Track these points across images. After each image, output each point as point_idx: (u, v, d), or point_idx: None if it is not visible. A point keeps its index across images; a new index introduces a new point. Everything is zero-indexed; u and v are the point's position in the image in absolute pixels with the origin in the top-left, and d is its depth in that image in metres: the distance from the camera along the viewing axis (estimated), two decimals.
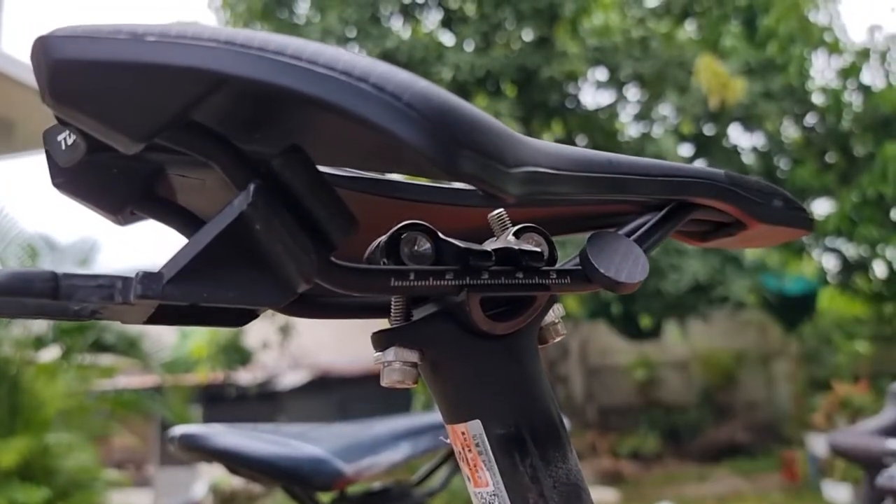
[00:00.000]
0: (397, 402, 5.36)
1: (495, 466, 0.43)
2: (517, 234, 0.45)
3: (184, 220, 0.46)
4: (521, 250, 0.43)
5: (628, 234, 0.51)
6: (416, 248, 0.42)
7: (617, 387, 8.80)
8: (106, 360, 5.51)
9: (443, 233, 0.43)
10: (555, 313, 0.47)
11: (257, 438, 0.93)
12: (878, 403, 6.10)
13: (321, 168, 0.45)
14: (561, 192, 0.40)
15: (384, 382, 0.43)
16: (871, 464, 1.66)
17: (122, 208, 0.45)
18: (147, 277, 0.35)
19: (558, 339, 0.47)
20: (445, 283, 0.41)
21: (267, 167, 0.36)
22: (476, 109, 0.33)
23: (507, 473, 0.43)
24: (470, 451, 0.44)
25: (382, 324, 0.46)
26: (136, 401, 5.50)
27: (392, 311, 0.45)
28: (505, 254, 0.43)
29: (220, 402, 8.12)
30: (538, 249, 0.44)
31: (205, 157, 0.36)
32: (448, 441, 0.46)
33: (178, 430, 0.96)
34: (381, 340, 0.43)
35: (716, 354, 8.37)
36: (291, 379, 8.33)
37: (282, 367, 8.48)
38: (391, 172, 0.46)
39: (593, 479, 6.72)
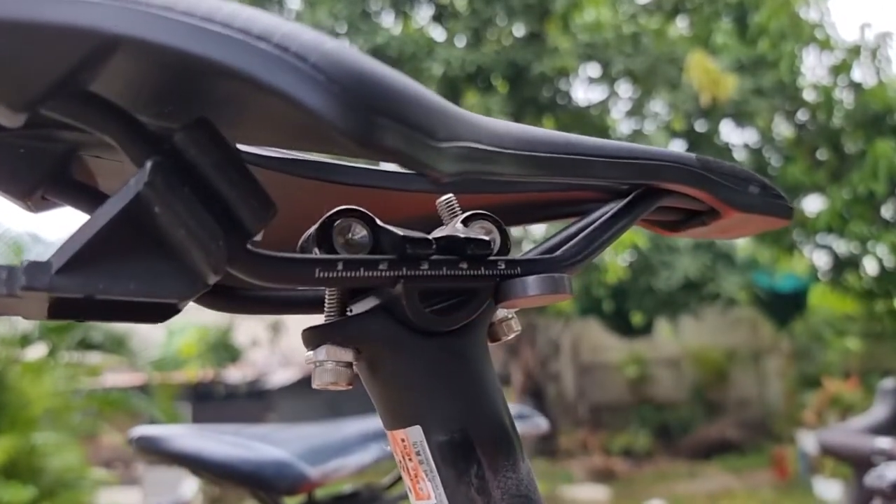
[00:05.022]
0: None
1: (437, 477, 0.39)
2: (466, 222, 0.41)
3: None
4: (466, 238, 0.39)
5: (590, 223, 0.48)
6: (350, 236, 0.38)
7: (608, 384, 8.77)
8: (93, 358, 5.46)
9: (387, 221, 0.39)
10: (507, 308, 0.43)
11: (218, 441, 0.89)
12: (868, 400, 6.08)
13: (244, 148, 0.41)
14: (505, 173, 0.36)
15: (315, 384, 0.39)
16: (859, 462, 1.63)
17: (32, 193, 0.41)
18: (33, 267, 0.31)
19: (512, 336, 0.43)
20: (379, 273, 0.37)
21: (170, 143, 0.32)
22: (399, 75, 0.29)
23: (451, 484, 0.39)
24: (410, 459, 0.40)
25: (319, 319, 0.42)
26: (123, 399, 5.45)
27: (326, 305, 0.41)
28: (449, 242, 0.39)
29: (209, 400, 8.06)
30: (486, 238, 0.40)
31: (98, 130, 0.32)
32: (389, 449, 0.42)
33: (137, 431, 0.92)
34: (313, 338, 0.39)
35: (707, 352, 8.35)
36: (281, 377, 8.28)
37: (272, 364, 8.43)
38: (327, 153, 0.42)
39: (584, 477, 6.70)
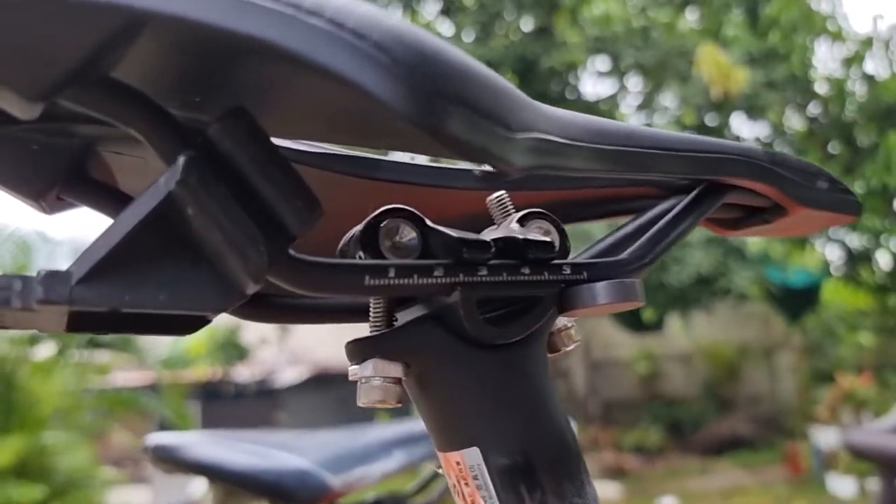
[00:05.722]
0: None
1: (497, 503, 0.35)
2: (521, 222, 0.38)
3: (121, 207, 0.38)
4: (526, 240, 0.35)
5: (651, 222, 0.44)
6: (398, 238, 0.34)
7: (619, 380, 8.72)
8: (102, 356, 5.45)
9: (432, 221, 0.35)
10: (571, 317, 0.39)
11: (237, 449, 0.86)
12: (881, 396, 6.04)
13: (277, 141, 0.37)
14: (574, 168, 0.32)
15: (361, 402, 0.35)
16: (889, 464, 1.59)
17: (46, 192, 0.38)
18: (51, 278, 0.27)
19: (572, 346, 0.39)
20: (434, 280, 0.33)
21: (204, 136, 0.28)
22: (468, 56, 0.25)
23: None
24: (467, 484, 0.36)
25: (363, 329, 0.38)
26: (133, 399, 5.44)
27: (371, 315, 0.37)
28: (507, 244, 0.35)
29: (218, 399, 8.04)
30: (547, 239, 0.36)
31: (123, 122, 0.28)
32: (441, 471, 0.38)
33: (153, 439, 0.88)
34: (358, 351, 0.35)
35: (719, 347, 8.29)
36: (290, 376, 8.25)
37: (280, 363, 8.41)
38: (366, 146, 0.38)
39: (596, 474, 6.63)
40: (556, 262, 0.36)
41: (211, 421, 7.13)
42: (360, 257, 0.34)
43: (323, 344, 8.42)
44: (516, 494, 0.35)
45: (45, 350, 4.97)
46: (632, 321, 7.98)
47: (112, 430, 5.78)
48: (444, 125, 0.24)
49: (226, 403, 8.11)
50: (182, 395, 6.08)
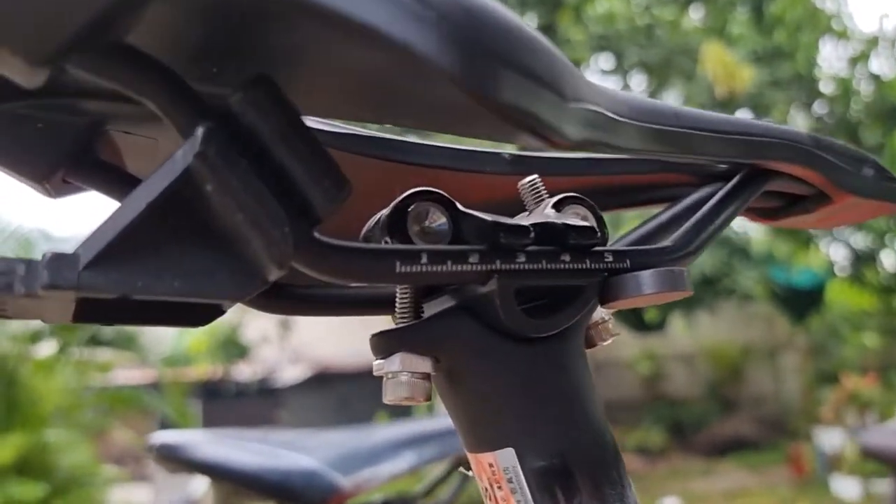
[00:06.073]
0: None
1: None
2: (557, 207, 0.35)
3: (130, 190, 0.35)
4: (566, 225, 0.33)
5: (689, 210, 0.41)
6: (427, 223, 0.32)
7: (621, 381, 8.69)
8: (103, 354, 5.43)
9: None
10: (604, 311, 0.37)
11: (243, 448, 0.83)
12: (886, 397, 6.01)
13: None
14: (621, 147, 0.29)
15: (388, 399, 0.33)
16: None
17: (51, 174, 0.35)
18: (57, 261, 0.25)
19: (609, 341, 0.37)
20: (469, 267, 0.30)
21: (225, 107, 0.26)
22: (518, 18, 0.23)
23: None
24: (500, 487, 0.33)
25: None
26: (134, 397, 5.43)
27: (397, 305, 0.34)
28: (546, 230, 0.32)
29: (219, 397, 8.01)
30: (588, 224, 0.34)
31: (135, 91, 0.26)
32: (471, 473, 0.36)
33: (158, 437, 0.86)
34: (384, 344, 0.33)
35: (722, 347, 8.26)
36: (291, 375, 8.23)
37: (281, 361, 8.38)
38: (396, 123, 0.36)
39: None
40: (598, 248, 0.33)
41: (212, 420, 7.12)
42: (385, 243, 0.32)
43: (324, 342, 8.39)
44: (553, 499, 0.32)
45: (47, 348, 4.95)
46: (634, 321, 7.94)
47: (113, 428, 5.77)
48: (493, 88, 0.21)
49: (227, 402, 8.08)
50: (183, 393, 6.07)
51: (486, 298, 0.32)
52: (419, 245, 0.31)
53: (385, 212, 0.32)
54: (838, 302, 7.79)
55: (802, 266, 7.44)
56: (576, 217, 0.35)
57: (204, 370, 7.58)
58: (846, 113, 6.76)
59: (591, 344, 0.36)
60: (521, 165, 0.41)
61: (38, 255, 0.26)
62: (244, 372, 8.43)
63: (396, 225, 0.32)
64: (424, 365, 0.32)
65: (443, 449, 0.93)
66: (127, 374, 6.38)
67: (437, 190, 0.32)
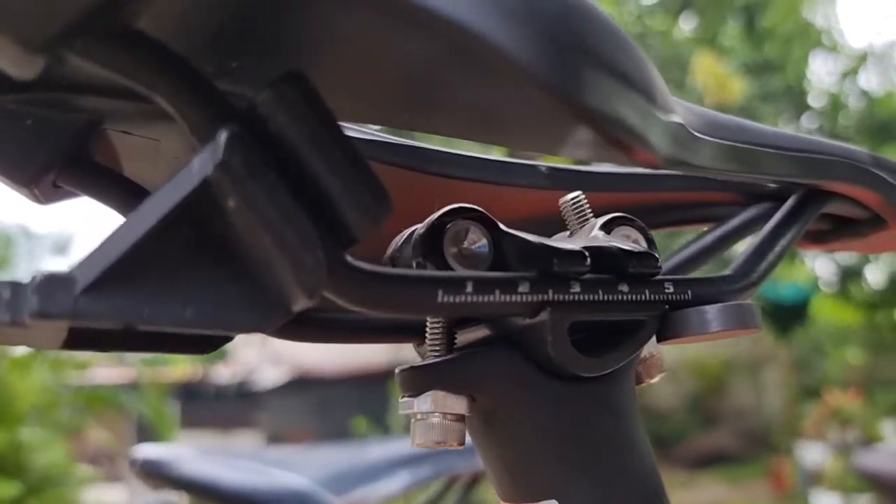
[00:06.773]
0: (376, 406, 5.11)
1: None
2: (605, 228, 0.32)
3: (128, 196, 0.31)
4: (623, 251, 0.29)
5: (739, 232, 0.38)
6: (466, 244, 0.28)
7: None
8: (81, 352, 5.36)
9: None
10: (653, 343, 0.33)
11: (231, 466, 0.79)
12: (868, 413, 6.02)
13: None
14: (698, 166, 0.26)
15: (417, 442, 0.29)
16: None
17: (40, 177, 0.31)
18: (49, 285, 0.20)
19: (658, 378, 0.33)
20: (519, 298, 0.26)
21: (250, 108, 0.22)
22: (607, 14, 0.19)
23: None
24: None
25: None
26: (111, 396, 5.37)
27: (428, 335, 0.30)
28: (603, 256, 0.29)
29: (197, 398, 7.95)
30: (646, 250, 0.30)
31: (145, 85, 0.22)
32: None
33: (142, 451, 0.81)
34: (414, 381, 0.29)
35: (705, 360, 8.25)
36: (270, 377, 8.17)
37: (261, 363, 8.31)
38: (442, 133, 0.31)
39: None
40: (659, 278, 0.30)
41: (190, 421, 7.05)
42: (416, 265, 0.28)
43: (304, 345, 8.32)
44: None
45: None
46: None
47: (89, 427, 5.71)
48: (580, 89, 0.17)
49: (205, 403, 8.02)
50: (162, 393, 5.99)
51: (534, 331, 0.28)
52: (459, 270, 0.27)
53: (419, 230, 0.28)
54: (823, 317, 7.82)
55: (787, 280, 7.46)
56: (626, 240, 0.31)
57: (183, 371, 7.50)
58: (835, 127, 6.79)
59: (638, 381, 0.33)
60: (559, 180, 0.37)
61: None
62: (223, 374, 8.36)
63: (433, 246, 0.28)
64: (459, 405, 0.29)
65: (438, 468, 0.89)
66: (105, 373, 6.31)
67: (475, 207, 0.29)
